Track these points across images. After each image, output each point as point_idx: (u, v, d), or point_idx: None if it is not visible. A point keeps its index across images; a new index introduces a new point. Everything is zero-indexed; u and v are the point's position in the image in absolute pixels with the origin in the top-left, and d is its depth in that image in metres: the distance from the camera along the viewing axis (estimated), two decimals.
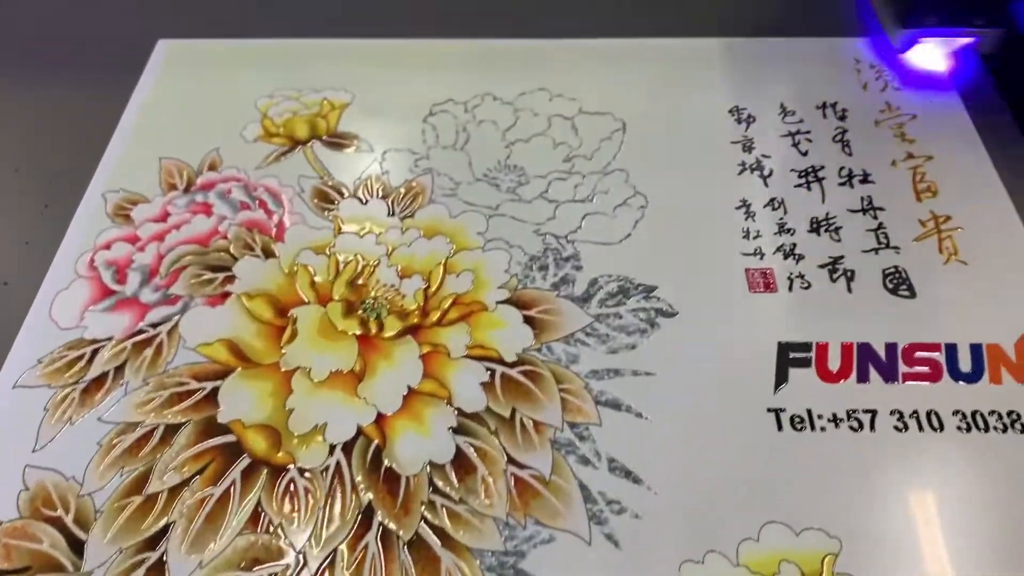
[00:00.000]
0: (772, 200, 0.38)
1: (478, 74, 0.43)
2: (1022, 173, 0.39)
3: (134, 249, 0.36)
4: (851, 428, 0.31)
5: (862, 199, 0.38)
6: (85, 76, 0.44)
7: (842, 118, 0.41)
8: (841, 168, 0.39)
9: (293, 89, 0.43)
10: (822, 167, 0.39)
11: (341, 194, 0.38)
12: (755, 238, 0.36)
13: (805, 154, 0.39)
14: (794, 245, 0.36)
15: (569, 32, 0.45)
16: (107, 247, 0.36)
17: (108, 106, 0.42)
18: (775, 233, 0.36)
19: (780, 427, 0.31)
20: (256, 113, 0.42)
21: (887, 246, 0.36)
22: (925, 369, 0.32)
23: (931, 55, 0.43)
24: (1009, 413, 0.31)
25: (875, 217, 0.37)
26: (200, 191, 0.38)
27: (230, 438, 0.30)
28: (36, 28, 0.47)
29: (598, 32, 0.45)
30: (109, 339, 0.33)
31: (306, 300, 0.34)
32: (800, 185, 0.38)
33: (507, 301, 0.34)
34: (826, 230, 0.37)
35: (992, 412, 0.31)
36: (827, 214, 0.37)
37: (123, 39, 0.46)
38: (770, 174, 0.39)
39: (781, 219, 0.37)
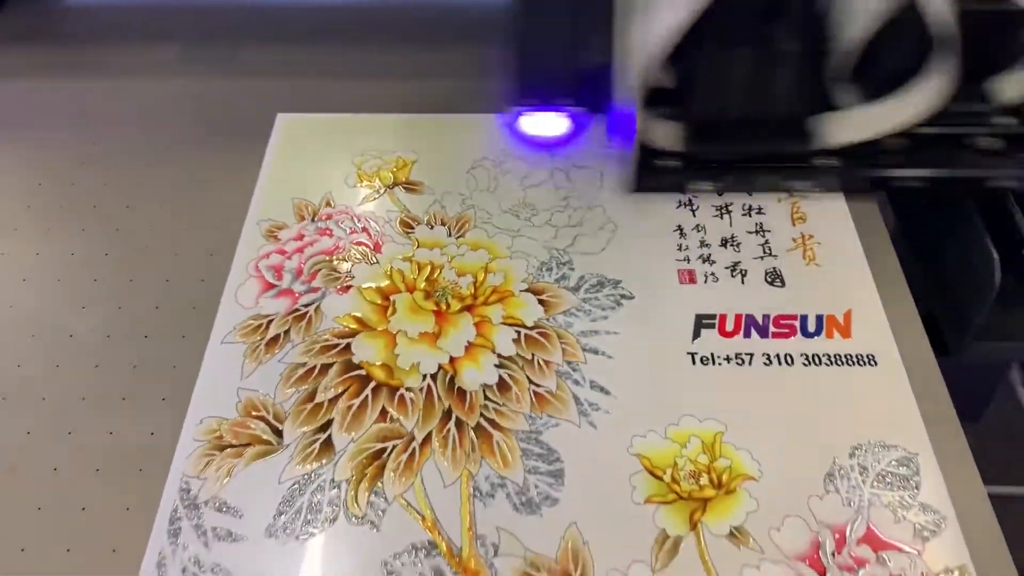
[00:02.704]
0: (697, 226, 0.58)
1: (504, 139, 0.64)
2: (862, 210, 0.59)
3: (284, 258, 0.56)
4: (737, 363, 0.50)
5: (756, 224, 0.58)
6: (231, 141, 0.64)
7: None
8: (744, 204, 0.59)
9: (377, 148, 0.63)
10: (731, 203, 0.59)
11: (416, 222, 0.58)
12: (684, 250, 0.56)
13: (720, 195, 0.60)
14: (709, 255, 0.56)
15: None
16: (266, 256, 0.56)
17: (251, 160, 0.62)
18: (697, 247, 0.56)
19: (694, 363, 0.50)
20: (353, 165, 0.62)
21: (770, 255, 0.56)
22: (786, 330, 0.52)
23: (540, 125, 0.63)
24: (837, 356, 0.51)
25: (763, 236, 0.57)
26: (322, 220, 0.58)
27: (362, 372, 0.50)
28: (198, 107, 0.67)
29: None
30: (277, 314, 0.53)
31: (400, 290, 0.54)
32: (716, 216, 0.59)
33: (527, 290, 0.54)
34: (731, 245, 0.57)
35: (824, 355, 0.51)
36: (732, 235, 0.57)
37: (251, 114, 0.66)
38: (696, 208, 0.59)
39: (703, 238, 0.57)
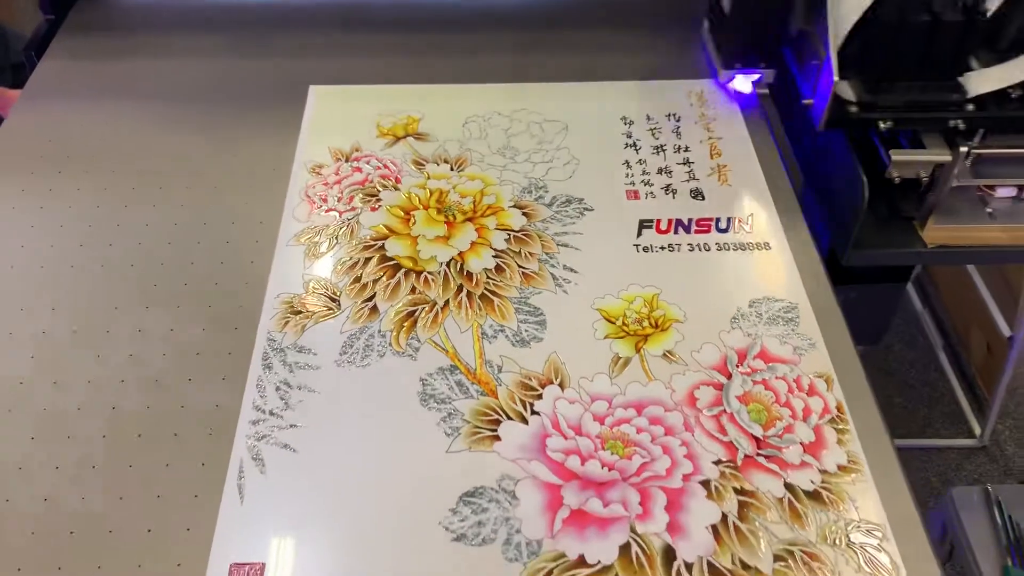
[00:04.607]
0: (639, 160, 0.76)
1: (490, 101, 0.82)
2: (763, 145, 0.78)
3: (327, 188, 0.74)
4: (669, 251, 0.69)
5: (684, 159, 0.77)
6: (276, 107, 0.82)
7: (678, 120, 0.81)
8: (675, 144, 0.78)
9: (391, 110, 0.81)
10: (665, 144, 0.78)
11: (426, 161, 0.76)
12: (630, 177, 0.75)
13: (657, 138, 0.79)
14: (648, 179, 0.75)
15: (541, 79, 0.84)
16: (313, 186, 0.74)
17: (293, 118, 0.79)
18: (640, 175, 0.75)
19: (638, 252, 0.69)
20: (374, 123, 0.80)
21: (693, 179, 0.75)
22: (705, 228, 0.71)
23: (741, 84, 0.82)
24: (741, 244, 0.70)
25: (689, 167, 0.76)
26: (353, 160, 0.76)
27: (394, 262, 0.68)
28: (245, 82, 0.85)
29: (555, 79, 0.84)
30: (326, 225, 0.70)
31: (418, 208, 0.72)
32: (654, 153, 0.77)
33: (513, 206, 0.72)
34: (665, 172, 0.75)
35: (732, 244, 0.70)
36: (666, 166, 0.76)
37: (288, 87, 0.83)
38: (639, 148, 0.78)
39: (644, 169, 0.76)
